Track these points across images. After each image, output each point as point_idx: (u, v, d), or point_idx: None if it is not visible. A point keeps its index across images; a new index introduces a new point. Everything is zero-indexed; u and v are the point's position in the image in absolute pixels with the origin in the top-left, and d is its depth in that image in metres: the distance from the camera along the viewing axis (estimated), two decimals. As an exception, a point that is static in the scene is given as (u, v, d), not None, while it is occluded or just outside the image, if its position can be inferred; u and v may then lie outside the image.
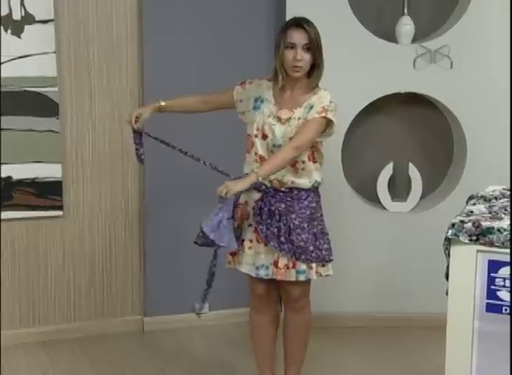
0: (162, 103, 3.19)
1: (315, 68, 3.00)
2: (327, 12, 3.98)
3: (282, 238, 2.98)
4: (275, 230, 2.99)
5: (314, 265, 3.03)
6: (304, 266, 3.01)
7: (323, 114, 2.95)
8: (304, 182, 3.03)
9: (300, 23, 2.96)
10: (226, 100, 3.16)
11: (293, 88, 3.03)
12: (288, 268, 3.01)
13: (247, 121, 3.11)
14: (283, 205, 3.01)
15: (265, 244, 3.01)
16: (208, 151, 3.96)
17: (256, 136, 3.02)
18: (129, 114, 3.20)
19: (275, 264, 3.02)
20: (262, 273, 3.04)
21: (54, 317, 4.06)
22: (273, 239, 2.98)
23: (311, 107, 2.98)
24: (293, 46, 2.94)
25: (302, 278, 3.03)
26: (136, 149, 3.18)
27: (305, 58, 2.95)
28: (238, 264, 3.10)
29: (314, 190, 3.07)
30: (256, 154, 3.03)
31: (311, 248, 3.00)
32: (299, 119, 2.98)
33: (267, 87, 3.07)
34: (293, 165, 2.99)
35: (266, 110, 3.02)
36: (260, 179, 2.87)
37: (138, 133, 3.16)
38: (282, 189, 3.01)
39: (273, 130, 2.99)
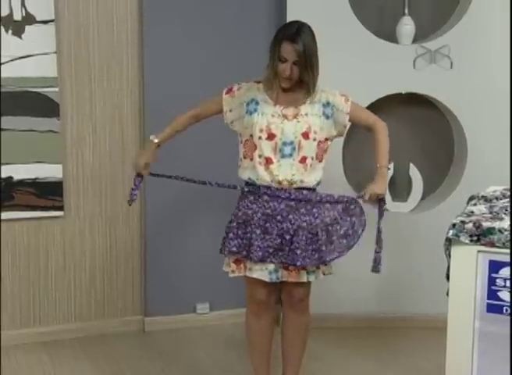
0: (156, 140, 3.12)
1: (304, 82, 2.97)
2: (327, 13, 3.99)
3: (306, 253, 2.98)
4: (301, 245, 2.98)
5: (321, 265, 3.05)
6: (313, 267, 3.03)
7: (349, 101, 3.05)
8: (310, 180, 3.02)
9: (294, 39, 2.90)
10: (216, 110, 3.12)
11: (285, 93, 3.02)
12: (299, 270, 3.01)
13: (239, 128, 3.06)
14: (291, 215, 2.98)
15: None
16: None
17: (260, 138, 2.97)
18: (137, 164, 3.14)
19: (285, 267, 3.02)
20: (274, 276, 3.03)
21: (54, 317, 4.06)
22: (305, 258, 2.98)
23: (327, 103, 3.00)
24: (285, 60, 2.92)
25: (312, 278, 3.04)
26: (133, 189, 3.15)
27: (294, 73, 2.94)
28: (248, 271, 3.04)
29: (315, 189, 3.07)
30: (261, 156, 2.99)
31: (309, 259, 2.99)
32: (306, 114, 2.98)
33: (257, 89, 3.04)
34: (303, 160, 2.98)
35: (267, 111, 2.99)
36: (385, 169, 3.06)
37: (141, 177, 3.17)
38: (292, 191, 2.98)
39: (282, 127, 2.96)
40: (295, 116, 2.97)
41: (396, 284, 4.21)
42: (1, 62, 3.71)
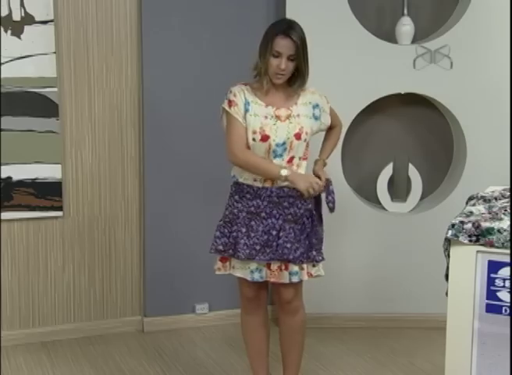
0: (286, 169, 2.97)
1: (299, 75, 2.98)
2: (327, 13, 3.99)
3: (297, 244, 2.99)
4: (272, 239, 2.99)
5: (305, 265, 3.03)
6: (296, 268, 3.01)
7: (329, 103, 3.12)
8: None
9: (289, 33, 2.91)
10: (243, 124, 3.00)
11: (276, 90, 3.02)
12: (281, 270, 3.01)
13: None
14: (274, 210, 3.00)
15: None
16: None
17: (254, 139, 2.98)
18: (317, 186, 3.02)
19: (268, 266, 3.02)
20: (257, 276, 3.03)
21: (54, 318, 4.06)
22: (276, 251, 2.99)
23: (317, 105, 3.05)
24: (278, 55, 2.92)
25: (295, 279, 3.02)
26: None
27: (289, 67, 2.95)
28: (232, 269, 3.08)
29: None
30: None
31: (302, 249, 2.99)
32: (298, 116, 3.00)
33: (247, 90, 3.03)
34: (290, 160, 3.01)
35: (259, 112, 2.98)
36: (326, 163, 3.17)
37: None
38: (273, 189, 2.99)
39: (275, 129, 2.97)
40: (287, 117, 2.99)
41: (395, 284, 4.21)
42: (1, 62, 3.71)
